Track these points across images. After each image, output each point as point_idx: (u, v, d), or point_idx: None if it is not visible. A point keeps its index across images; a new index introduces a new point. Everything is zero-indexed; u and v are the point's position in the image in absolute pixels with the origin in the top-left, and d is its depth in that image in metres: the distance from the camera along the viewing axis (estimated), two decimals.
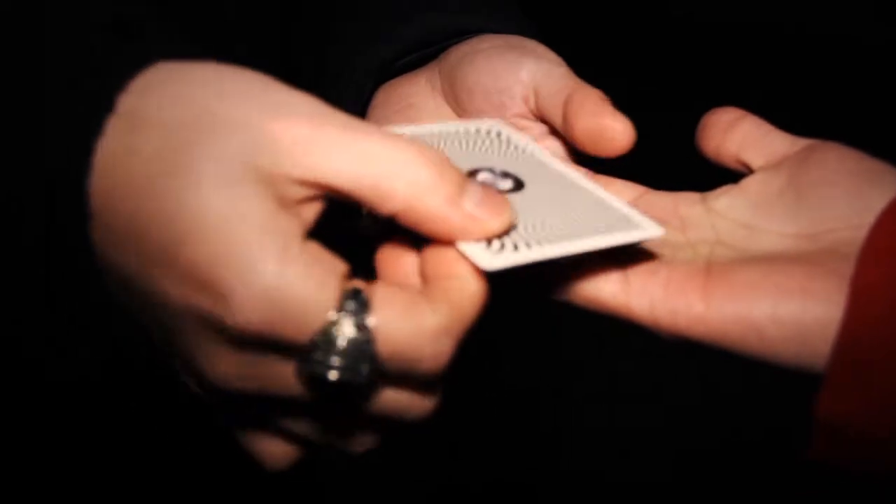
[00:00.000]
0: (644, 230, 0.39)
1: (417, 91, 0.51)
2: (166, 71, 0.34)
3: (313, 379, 0.33)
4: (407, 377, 0.34)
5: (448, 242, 0.35)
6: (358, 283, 0.33)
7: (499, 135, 0.46)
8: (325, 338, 0.32)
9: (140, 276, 0.33)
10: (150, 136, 0.32)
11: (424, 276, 0.35)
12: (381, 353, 0.33)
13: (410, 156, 0.33)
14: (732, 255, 0.40)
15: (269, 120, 0.32)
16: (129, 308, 0.35)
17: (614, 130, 0.43)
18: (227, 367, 0.33)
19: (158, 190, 0.32)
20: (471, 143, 0.44)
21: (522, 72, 0.47)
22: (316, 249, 0.33)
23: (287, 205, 0.32)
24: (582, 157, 0.47)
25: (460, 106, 0.49)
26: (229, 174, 0.31)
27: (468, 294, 0.34)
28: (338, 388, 0.33)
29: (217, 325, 0.32)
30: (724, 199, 0.42)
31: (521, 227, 0.37)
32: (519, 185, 0.41)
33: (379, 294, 0.33)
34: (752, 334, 0.36)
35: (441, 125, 0.45)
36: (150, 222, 0.32)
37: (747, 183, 0.42)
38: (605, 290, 0.38)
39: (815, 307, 0.36)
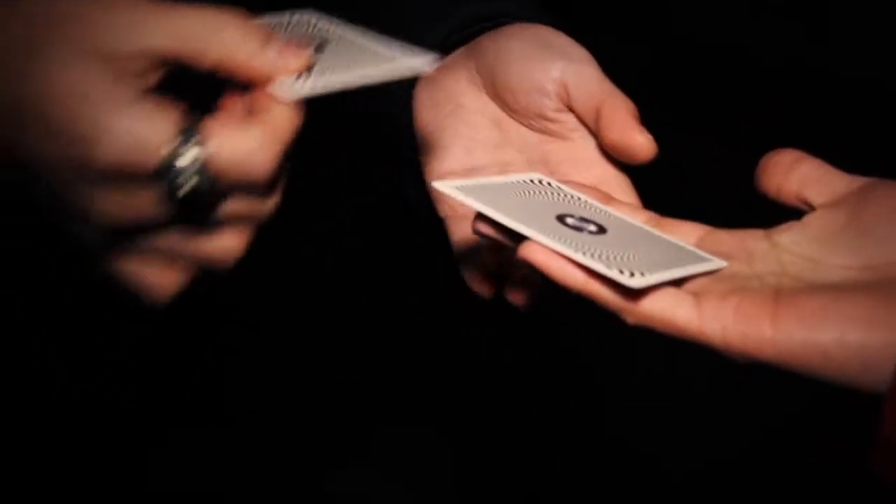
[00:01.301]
0: (710, 262, 0.44)
1: (462, 90, 0.59)
2: None
3: (167, 198, 0.42)
4: (244, 185, 0.44)
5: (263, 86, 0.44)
6: (192, 120, 0.43)
7: (549, 184, 0.50)
8: (169, 162, 0.41)
9: (21, 144, 0.42)
10: (17, 23, 0.42)
11: (248, 113, 0.44)
12: (216, 167, 0.42)
13: (220, 23, 0.43)
14: (798, 286, 0.42)
15: (105, 11, 0.42)
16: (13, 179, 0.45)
17: (641, 147, 0.52)
18: (102, 204, 0.42)
19: (28, 70, 0.41)
20: (535, 193, 0.48)
21: (555, 72, 0.55)
22: (155, 102, 0.42)
23: (126, 74, 0.42)
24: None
25: (506, 104, 0.57)
26: (79, 56, 0.41)
27: (281, 115, 0.44)
28: (188, 203, 0.42)
29: (88, 169, 0.41)
30: (788, 235, 0.45)
31: (615, 258, 0.41)
32: (601, 229, 0.45)
33: (210, 125, 0.42)
34: (820, 358, 0.39)
35: (493, 179, 0.49)
36: (23, 96, 0.41)
37: (810, 219, 0.45)
38: (680, 315, 0.41)
39: (879, 334, 0.38)
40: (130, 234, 0.45)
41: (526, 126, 0.58)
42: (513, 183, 0.49)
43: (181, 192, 0.42)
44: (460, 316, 0.99)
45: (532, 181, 0.50)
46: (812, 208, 0.46)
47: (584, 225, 0.45)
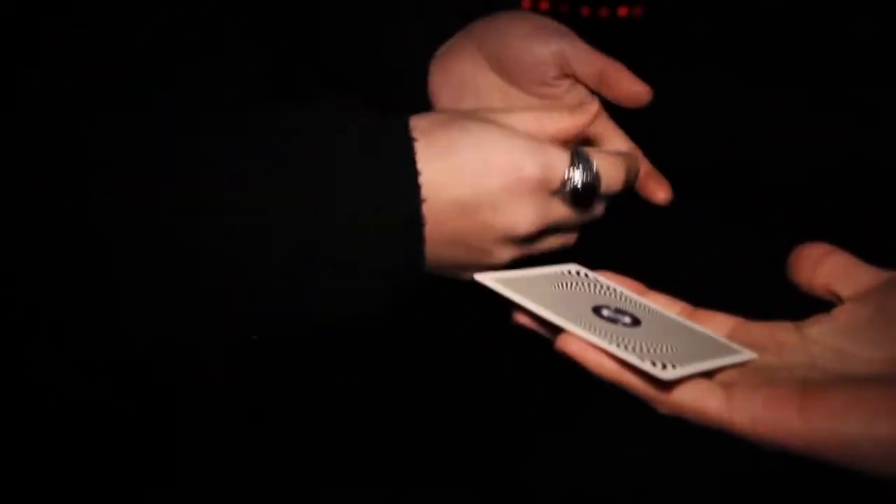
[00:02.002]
0: (741, 354, 0.45)
1: (472, 71, 0.70)
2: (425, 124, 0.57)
3: (574, 194, 0.57)
4: (610, 191, 0.59)
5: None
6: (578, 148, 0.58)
7: (586, 276, 0.52)
8: (574, 168, 0.57)
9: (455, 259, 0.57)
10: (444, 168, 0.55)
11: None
12: (602, 180, 0.57)
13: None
14: (826, 378, 0.43)
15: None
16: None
17: (642, 93, 0.65)
18: (531, 218, 0.56)
19: (473, 218, 0.55)
20: (571, 285, 0.50)
21: (553, 45, 0.67)
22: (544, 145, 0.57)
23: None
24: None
25: (511, 77, 0.68)
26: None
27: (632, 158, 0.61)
28: (584, 194, 0.57)
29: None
30: (817, 327, 0.46)
31: (648, 349, 0.43)
32: (636, 321, 0.47)
33: (588, 151, 0.58)
34: (848, 450, 0.40)
35: (530, 271, 0.51)
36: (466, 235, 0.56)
37: (838, 312, 0.46)
38: (711, 406, 0.42)
39: None
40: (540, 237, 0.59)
41: (527, 93, 0.69)
42: (549, 274, 0.51)
43: (580, 185, 0.56)
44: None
45: (569, 272, 0.52)
46: (841, 301, 0.47)
47: (619, 317, 0.47)
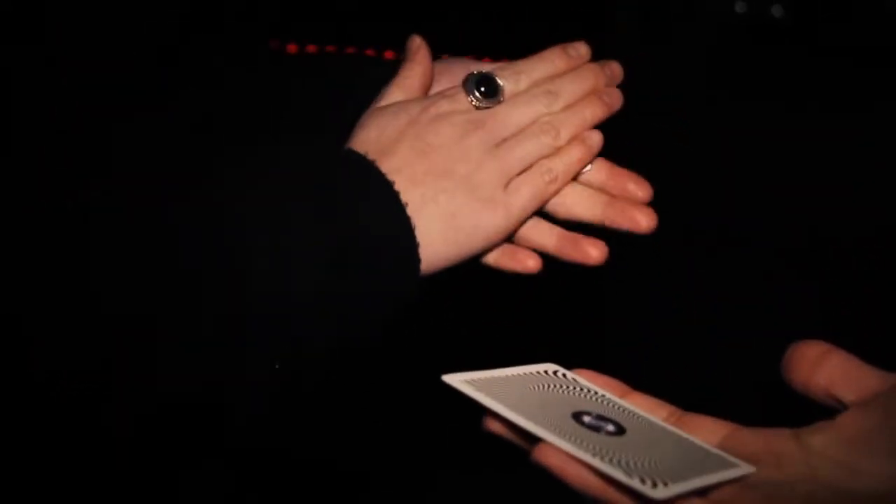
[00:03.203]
0: (737, 468, 0.41)
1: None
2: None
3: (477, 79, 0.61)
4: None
5: None
6: None
7: (564, 376, 0.47)
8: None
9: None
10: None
11: None
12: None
13: None
14: (832, 496, 0.39)
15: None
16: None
17: None
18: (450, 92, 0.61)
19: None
20: (548, 387, 0.46)
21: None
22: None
23: None
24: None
25: None
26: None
27: None
28: (484, 79, 0.61)
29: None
30: (819, 437, 0.42)
31: (636, 463, 0.39)
32: (620, 429, 0.42)
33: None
34: None
35: (503, 371, 0.47)
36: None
37: (842, 420, 0.42)
38: None
39: None
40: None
41: None
42: (524, 375, 0.47)
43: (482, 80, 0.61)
44: None
45: (545, 372, 0.48)
46: (843, 406, 0.43)
47: (602, 424, 0.43)
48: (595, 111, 0.62)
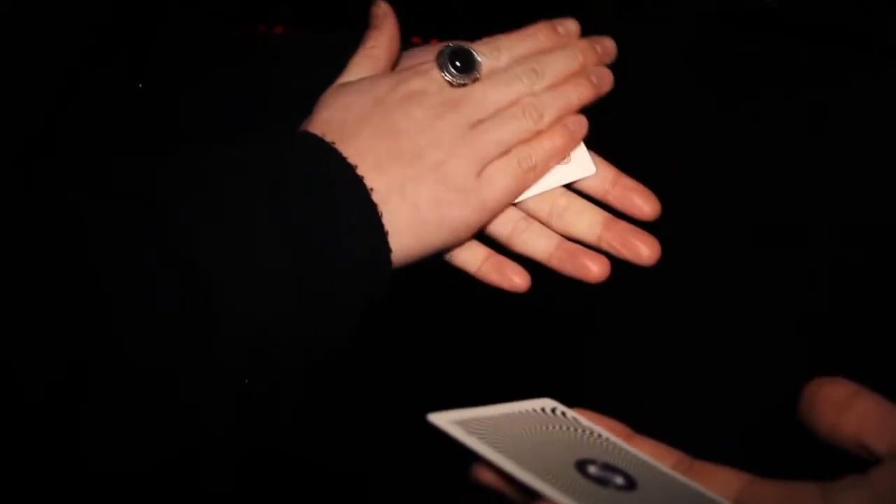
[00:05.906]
0: None
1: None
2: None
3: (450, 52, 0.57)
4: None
5: None
6: None
7: (563, 415, 0.42)
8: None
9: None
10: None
11: None
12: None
13: None
14: None
15: None
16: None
17: None
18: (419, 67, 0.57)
19: None
20: (547, 428, 0.41)
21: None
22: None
23: None
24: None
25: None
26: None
27: None
28: (457, 53, 0.57)
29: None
30: (851, 495, 0.37)
31: None
32: (630, 482, 0.37)
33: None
34: None
35: (494, 408, 0.41)
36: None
37: (875, 475, 0.37)
38: None
39: None
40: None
41: None
42: (519, 414, 0.41)
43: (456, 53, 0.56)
44: None
45: (542, 410, 0.42)
46: (876, 458, 0.38)
47: (610, 476, 0.38)
48: (582, 93, 0.57)
